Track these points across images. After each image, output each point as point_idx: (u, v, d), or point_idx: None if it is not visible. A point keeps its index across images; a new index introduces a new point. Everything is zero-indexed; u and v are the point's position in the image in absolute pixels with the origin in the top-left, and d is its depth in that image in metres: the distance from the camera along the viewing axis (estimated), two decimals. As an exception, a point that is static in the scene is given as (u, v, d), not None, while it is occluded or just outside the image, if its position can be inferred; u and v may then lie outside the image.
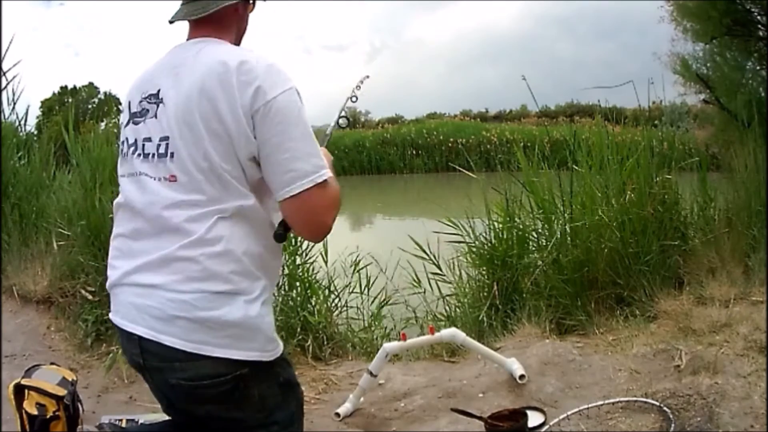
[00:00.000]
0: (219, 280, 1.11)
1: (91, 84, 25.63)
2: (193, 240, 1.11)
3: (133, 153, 1.22)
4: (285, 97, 1.14)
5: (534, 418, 2.26)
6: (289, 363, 1.33)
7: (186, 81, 1.16)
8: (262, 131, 1.12)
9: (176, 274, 1.10)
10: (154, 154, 1.17)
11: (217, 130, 1.12)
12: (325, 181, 1.15)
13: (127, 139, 1.25)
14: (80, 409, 2.23)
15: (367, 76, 1.72)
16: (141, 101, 1.22)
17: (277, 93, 1.13)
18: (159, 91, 1.19)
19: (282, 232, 1.21)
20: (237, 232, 1.14)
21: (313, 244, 3.57)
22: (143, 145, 1.20)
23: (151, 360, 1.14)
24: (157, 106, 1.19)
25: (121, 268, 1.19)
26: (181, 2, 1.27)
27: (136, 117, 1.23)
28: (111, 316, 1.22)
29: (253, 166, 1.15)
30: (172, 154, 1.15)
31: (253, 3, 1.33)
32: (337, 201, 1.20)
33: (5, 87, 4.51)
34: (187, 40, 1.26)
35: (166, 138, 1.16)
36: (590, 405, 2.26)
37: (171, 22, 1.26)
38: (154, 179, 1.17)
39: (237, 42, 1.30)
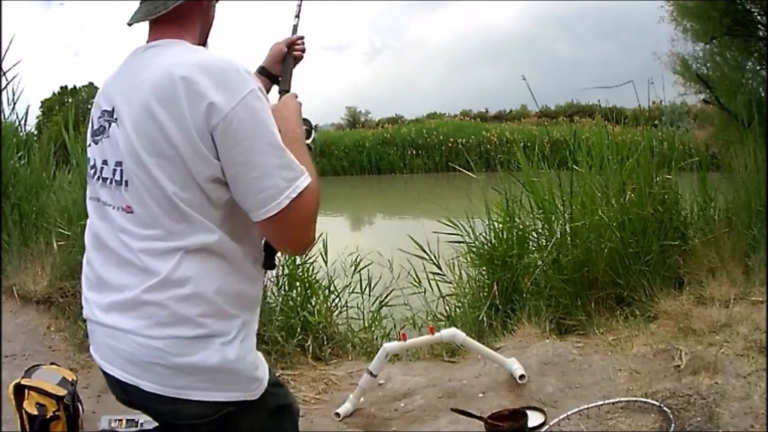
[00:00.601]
0: (190, 324, 1.01)
1: (91, 84, 25.58)
2: (159, 281, 1.00)
3: (94, 176, 1.10)
4: (244, 106, 0.99)
5: (534, 418, 2.26)
6: (281, 384, 1.27)
7: (135, 97, 1.02)
8: (224, 150, 0.99)
9: (145, 319, 1.01)
10: (111, 180, 1.06)
11: (168, 154, 0.99)
12: (303, 192, 1.02)
13: (89, 159, 1.13)
14: (80, 409, 2.23)
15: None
16: (99, 117, 1.10)
17: (234, 103, 0.98)
18: (114, 107, 1.06)
19: (272, 262, 1.14)
20: (206, 269, 1.03)
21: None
22: (102, 168, 1.08)
23: (135, 399, 1.09)
24: (110, 125, 1.06)
25: (93, 302, 1.10)
26: (139, 1, 1.12)
27: (95, 135, 1.10)
28: (91, 350, 1.15)
29: (218, 188, 1.02)
30: (126, 183, 1.03)
31: None
32: (315, 207, 1.06)
33: (5, 87, 4.51)
34: (147, 42, 1.12)
35: (120, 163, 1.04)
36: (590, 405, 2.26)
37: (130, 24, 1.11)
38: (113, 208, 1.06)
39: (202, 39, 1.17)
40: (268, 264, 1.15)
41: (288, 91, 1.31)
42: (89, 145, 1.13)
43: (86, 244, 1.15)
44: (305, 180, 1.03)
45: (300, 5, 1.43)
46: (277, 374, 2.83)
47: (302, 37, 1.44)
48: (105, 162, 1.07)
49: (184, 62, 1.00)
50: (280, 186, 1.00)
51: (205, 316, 1.02)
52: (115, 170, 1.05)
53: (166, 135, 0.98)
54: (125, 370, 1.05)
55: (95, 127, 1.10)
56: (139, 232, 1.02)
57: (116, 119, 1.05)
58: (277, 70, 1.42)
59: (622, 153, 3.59)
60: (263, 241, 1.14)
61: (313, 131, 1.26)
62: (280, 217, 1.00)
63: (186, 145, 0.98)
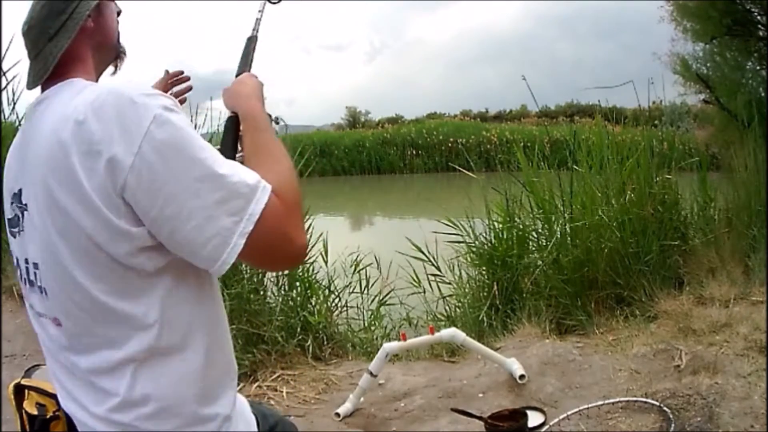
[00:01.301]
0: None
1: (91, 84, 25.63)
2: (120, 403, 0.85)
3: (20, 277, 0.92)
4: (150, 144, 0.77)
5: (534, 418, 2.26)
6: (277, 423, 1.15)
7: (33, 176, 0.84)
8: (144, 209, 0.78)
9: None
10: (33, 283, 0.88)
11: (79, 243, 0.80)
12: (261, 214, 0.80)
13: (11, 253, 0.94)
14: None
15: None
16: (11, 203, 0.90)
17: (137, 143, 0.77)
18: (21, 190, 0.87)
19: None
20: (167, 377, 0.85)
21: (313, 243, 3.57)
22: (25, 268, 0.89)
23: None
24: (23, 214, 0.87)
25: (67, 401, 0.95)
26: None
27: (12, 227, 0.91)
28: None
29: (151, 256, 0.82)
30: (45, 291, 0.86)
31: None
32: (290, 213, 0.85)
33: (5, 87, 4.52)
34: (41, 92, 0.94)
35: (37, 266, 0.86)
36: (590, 405, 2.26)
37: (29, 88, 0.94)
38: (44, 317, 0.90)
39: (102, 61, 1.00)
40: None
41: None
42: (9, 236, 0.93)
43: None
44: (262, 194, 0.81)
45: (262, 12, 1.27)
46: (277, 375, 2.85)
47: (182, 72, 1.29)
48: (26, 261, 0.89)
49: (68, 115, 0.80)
50: (227, 227, 0.79)
51: (181, 426, 0.87)
52: (35, 272, 0.87)
53: (71, 219, 0.79)
54: None
55: (9, 216, 0.90)
56: (77, 347, 0.86)
57: (25, 206, 0.86)
58: None
59: (622, 153, 3.60)
60: None
61: (273, 124, 1.07)
62: (244, 255, 0.81)
63: (95, 224, 0.78)
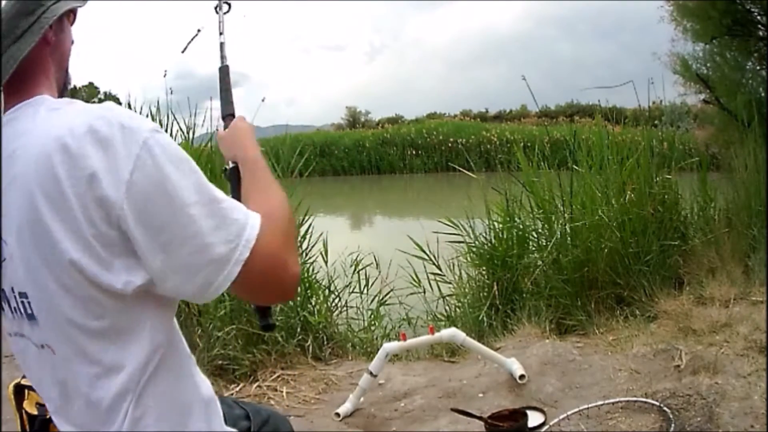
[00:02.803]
0: None
1: (91, 84, 25.57)
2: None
3: (3, 304, 0.86)
4: (144, 168, 0.74)
5: (534, 418, 2.26)
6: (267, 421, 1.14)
7: (10, 204, 0.78)
8: (138, 240, 0.74)
9: None
10: (21, 311, 0.83)
11: (66, 281, 0.76)
12: (256, 242, 0.78)
13: None
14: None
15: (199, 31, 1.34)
16: None
17: (129, 170, 0.73)
18: None
19: (267, 322, 1.00)
20: (162, 407, 0.83)
21: (313, 243, 3.58)
22: (9, 297, 0.84)
23: None
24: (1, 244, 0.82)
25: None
26: None
27: None
28: None
29: (142, 294, 0.79)
30: (36, 318, 0.82)
31: (73, 15, 0.95)
32: (283, 242, 0.83)
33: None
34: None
35: (25, 295, 0.81)
36: (590, 405, 2.26)
37: None
38: (36, 346, 0.84)
39: (61, 75, 0.94)
40: (265, 325, 1.00)
41: (233, 114, 1.14)
42: None
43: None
44: (256, 221, 0.79)
45: (222, 22, 1.24)
46: (277, 375, 2.85)
47: None
48: (12, 290, 0.83)
49: (54, 137, 0.74)
50: (222, 254, 0.76)
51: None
52: (21, 302, 0.82)
53: (61, 253, 0.75)
54: None
55: None
56: (74, 376, 0.83)
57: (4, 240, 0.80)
58: None
59: (622, 153, 3.60)
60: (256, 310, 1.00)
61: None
62: (235, 287, 0.78)
63: (83, 256, 0.74)
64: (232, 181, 1.03)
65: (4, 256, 0.81)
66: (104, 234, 0.74)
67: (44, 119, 0.80)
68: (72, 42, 0.96)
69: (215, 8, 1.26)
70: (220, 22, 1.24)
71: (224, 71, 1.19)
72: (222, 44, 1.21)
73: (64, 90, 0.98)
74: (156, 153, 0.75)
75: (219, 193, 0.79)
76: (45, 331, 0.81)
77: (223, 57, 1.19)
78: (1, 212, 0.79)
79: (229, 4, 1.27)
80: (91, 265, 0.75)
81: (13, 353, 0.91)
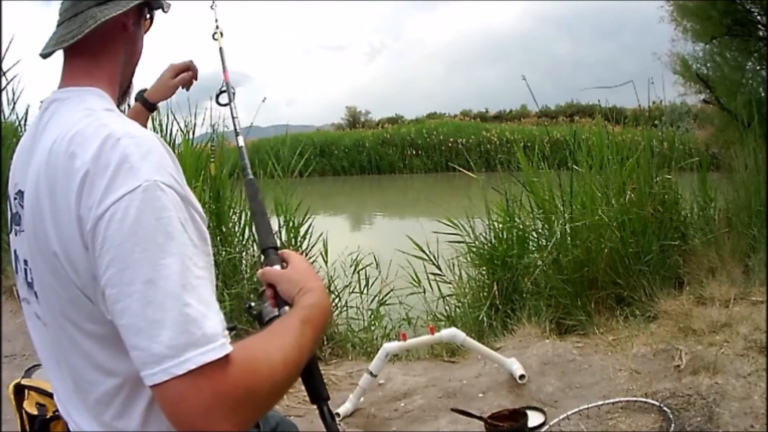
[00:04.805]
0: None
1: (91, 84, 25.61)
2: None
3: (17, 272, 0.87)
4: (128, 210, 0.68)
5: (534, 418, 2.26)
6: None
7: (29, 180, 0.80)
8: (96, 268, 0.70)
9: None
10: (30, 283, 0.83)
11: (55, 269, 0.75)
12: (199, 371, 0.64)
13: (10, 247, 0.89)
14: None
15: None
16: (15, 198, 0.84)
17: (117, 196, 0.69)
18: (23, 190, 0.82)
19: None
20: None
21: (313, 243, 3.57)
22: (24, 268, 0.84)
23: None
24: (22, 213, 0.82)
25: (64, 413, 0.91)
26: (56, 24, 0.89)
27: (14, 222, 0.85)
28: None
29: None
30: (34, 290, 0.82)
31: (150, 18, 0.95)
32: (246, 398, 0.67)
33: (5, 87, 4.53)
34: (61, 78, 0.87)
35: (26, 262, 0.83)
36: (590, 405, 2.26)
37: (43, 56, 0.87)
38: (36, 316, 0.85)
39: (125, 77, 0.93)
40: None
41: (276, 248, 0.97)
42: (11, 234, 0.87)
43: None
44: (217, 351, 0.65)
45: (218, 28, 1.25)
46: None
47: (191, 61, 1.30)
48: (25, 261, 0.83)
49: (68, 139, 0.75)
50: (155, 352, 0.65)
51: None
52: (28, 272, 0.82)
53: (48, 242, 0.75)
54: None
55: (14, 211, 0.85)
56: (69, 363, 0.81)
57: (23, 206, 0.80)
58: (157, 99, 1.30)
59: (622, 153, 3.60)
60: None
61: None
62: (156, 392, 0.66)
63: (77, 257, 0.73)
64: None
65: (20, 226, 0.82)
66: (81, 244, 0.71)
67: (72, 118, 0.79)
68: (141, 50, 0.95)
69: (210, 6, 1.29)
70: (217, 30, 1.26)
71: (252, 188, 1.05)
72: (221, 49, 1.24)
73: (125, 96, 0.97)
74: (155, 201, 0.69)
75: (195, 295, 0.67)
76: (43, 309, 0.82)
77: (245, 171, 1.09)
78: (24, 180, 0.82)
79: None
80: (68, 266, 0.73)
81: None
